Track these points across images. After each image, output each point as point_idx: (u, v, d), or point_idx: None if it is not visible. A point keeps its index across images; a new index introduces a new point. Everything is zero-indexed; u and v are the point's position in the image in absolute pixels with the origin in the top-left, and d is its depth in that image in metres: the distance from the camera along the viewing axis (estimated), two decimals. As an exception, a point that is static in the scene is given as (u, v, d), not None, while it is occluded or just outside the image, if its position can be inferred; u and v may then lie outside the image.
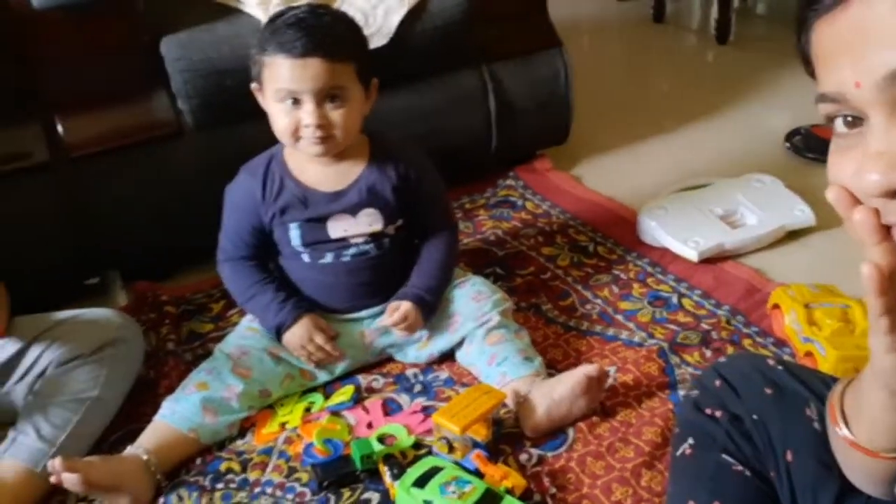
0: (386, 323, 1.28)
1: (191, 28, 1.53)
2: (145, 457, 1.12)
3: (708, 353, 1.30)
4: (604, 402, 1.20)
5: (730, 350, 1.31)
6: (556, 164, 2.00)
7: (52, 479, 1.05)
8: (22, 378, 1.17)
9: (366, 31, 1.35)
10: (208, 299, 1.55)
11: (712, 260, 1.55)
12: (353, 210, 1.26)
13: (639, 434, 1.14)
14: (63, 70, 1.48)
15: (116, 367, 1.21)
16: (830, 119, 0.57)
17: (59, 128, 1.49)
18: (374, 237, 1.28)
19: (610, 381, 1.24)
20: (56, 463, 1.04)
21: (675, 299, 1.46)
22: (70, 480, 1.04)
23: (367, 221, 1.27)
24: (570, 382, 1.16)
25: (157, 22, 1.54)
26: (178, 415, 1.17)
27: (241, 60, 1.43)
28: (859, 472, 0.70)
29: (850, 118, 0.55)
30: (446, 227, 1.38)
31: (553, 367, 1.29)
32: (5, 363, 1.17)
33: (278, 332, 1.27)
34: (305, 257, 1.29)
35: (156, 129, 1.54)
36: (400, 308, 1.27)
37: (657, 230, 1.61)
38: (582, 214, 1.77)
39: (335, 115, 1.19)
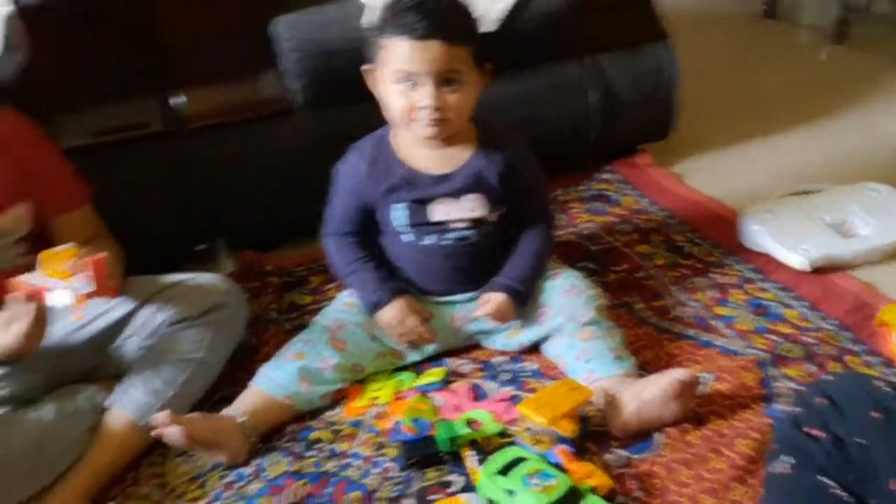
0: (478, 315, 1.29)
1: (301, 10, 1.58)
2: (242, 419, 1.17)
3: (811, 369, 1.26)
4: (696, 409, 1.18)
5: (834, 367, 1.26)
6: (656, 160, 1.96)
7: (155, 433, 1.11)
8: (133, 335, 1.24)
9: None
10: (308, 272, 1.60)
11: (819, 270, 1.49)
12: (456, 194, 1.27)
13: (731, 446, 1.12)
14: (183, 45, 1.55)
15: (221, 331, 1.26)
16: None
17: (176, 100, 1.56)
18: (475, 223, 1.29)
19: (704, 388, 1.22)
20: (161, 417, 1.10)
21: (777, 309, 1.41)
22: (173, 434, 1.10)
23: (470, 207, 1.28)
24: (661, 385, 1.14)
25: (270, 3, 1.58)
26: (274, 382, 1.22)
27: (349, 42, 1.46)
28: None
29: None
30: (544, 218, 1.38)
31: (643, 369, 1.27)
32: (119, 321, 1.24)
33: (373, 310, 1.30)
34: (406, 238, 1.31)
35: (266, 106, 1.61)
36: (492, 300, 1.28)
37: (762, 235, 1.56)
38: (681, 213, 1.74)
39: (451, 98, 1.20)
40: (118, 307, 1.23)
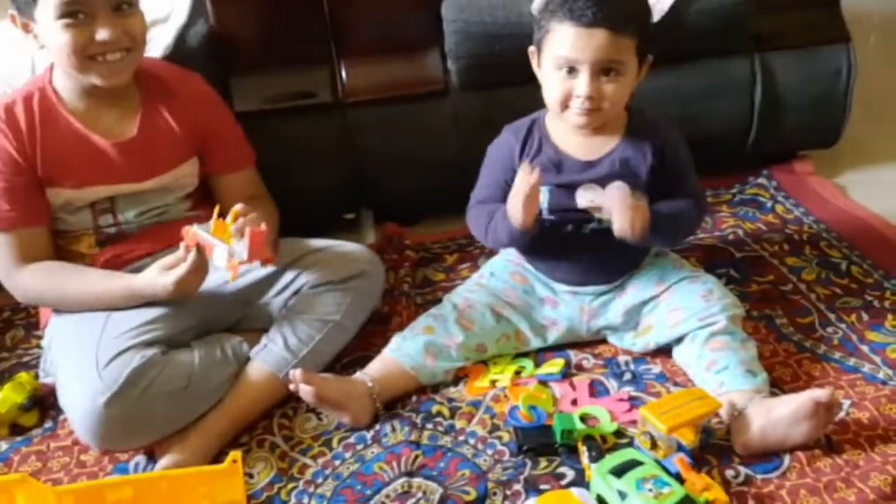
0: (600, 201, 1.20)
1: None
2: (370, 384, 1.23)
3: (966, 410, 1.16)
4: (829, 435, 1.12)
5: None
6: (818, 169, 1.85)
7: (291, 387, 1.18)
8: (279, 294, 1.32)
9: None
10: (444, 250, 1.65)
11: None
12: (602, 182, 1.25)
13: (865, 478, 1.05)
14: (356, 19, 1.62)
15: (358, 298, 1.32)
16: None
17: (343, 73, 1.64)
18: (617, 214, 1.27)
19: (841, 414, 1.15)
20: (296, 373, 1.18)
21: (935, 341, 1.31)
22: (305, 391, 1.17)
23: None
24: (793, 405, 1.09)
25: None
26: (403, 352, 1.27)
27: (512, 27, 1.47)
28: None
29: None
30: (694, 199, 1.30)
31: (777, 387, 1.22)
32: (267, 277, 1.32)
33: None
34: (547, 222, 1.30)
35: (425, 85, 1.66)
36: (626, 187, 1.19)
37: (929, 260, 1.44)
38: (839, 227, 1.63)
39: (608, 88, 1.19)
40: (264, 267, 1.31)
